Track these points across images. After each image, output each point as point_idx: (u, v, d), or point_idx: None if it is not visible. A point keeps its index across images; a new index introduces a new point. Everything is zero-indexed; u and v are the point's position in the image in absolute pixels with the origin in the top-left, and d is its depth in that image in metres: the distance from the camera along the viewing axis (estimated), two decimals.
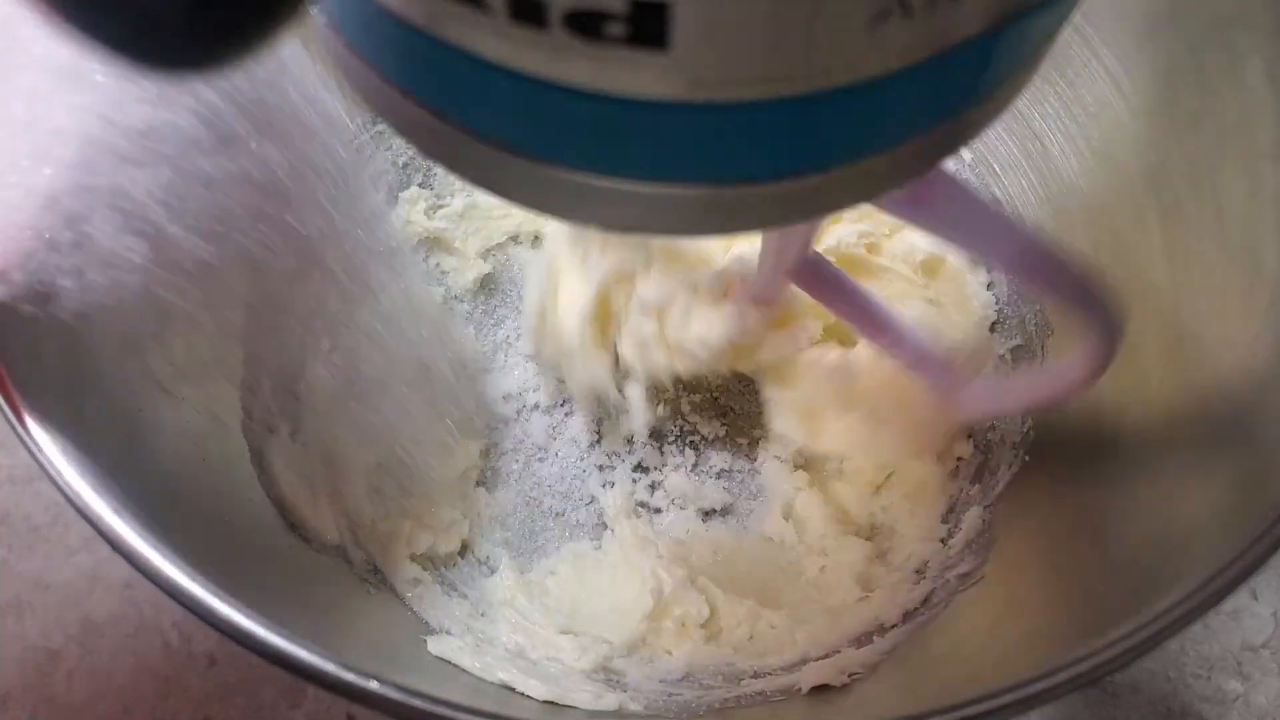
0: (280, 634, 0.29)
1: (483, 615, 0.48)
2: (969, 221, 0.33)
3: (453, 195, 0.57)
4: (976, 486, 0.50)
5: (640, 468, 0.53)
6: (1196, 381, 0.39)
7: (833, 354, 0.49)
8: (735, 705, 0.44)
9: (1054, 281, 0.35)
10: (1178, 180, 0.42)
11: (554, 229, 0.54)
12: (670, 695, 0.44)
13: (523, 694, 0.42)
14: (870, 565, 0.49)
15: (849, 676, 0.43)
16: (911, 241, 0.54)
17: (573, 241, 0.51)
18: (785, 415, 0.51)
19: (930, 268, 0.54)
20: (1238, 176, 0.39)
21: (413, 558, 0.48)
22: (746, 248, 0.49)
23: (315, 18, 0.20)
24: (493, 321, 0.57)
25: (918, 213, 0.32)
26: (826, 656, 0.45)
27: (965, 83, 0.19)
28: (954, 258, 0.54)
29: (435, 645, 0.43)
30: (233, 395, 0.46)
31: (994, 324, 0.53)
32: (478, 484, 0.53)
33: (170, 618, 0.51)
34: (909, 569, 0.48)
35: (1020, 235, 0.34)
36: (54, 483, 0.31)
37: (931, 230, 0.34)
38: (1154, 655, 0.50)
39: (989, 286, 0.53)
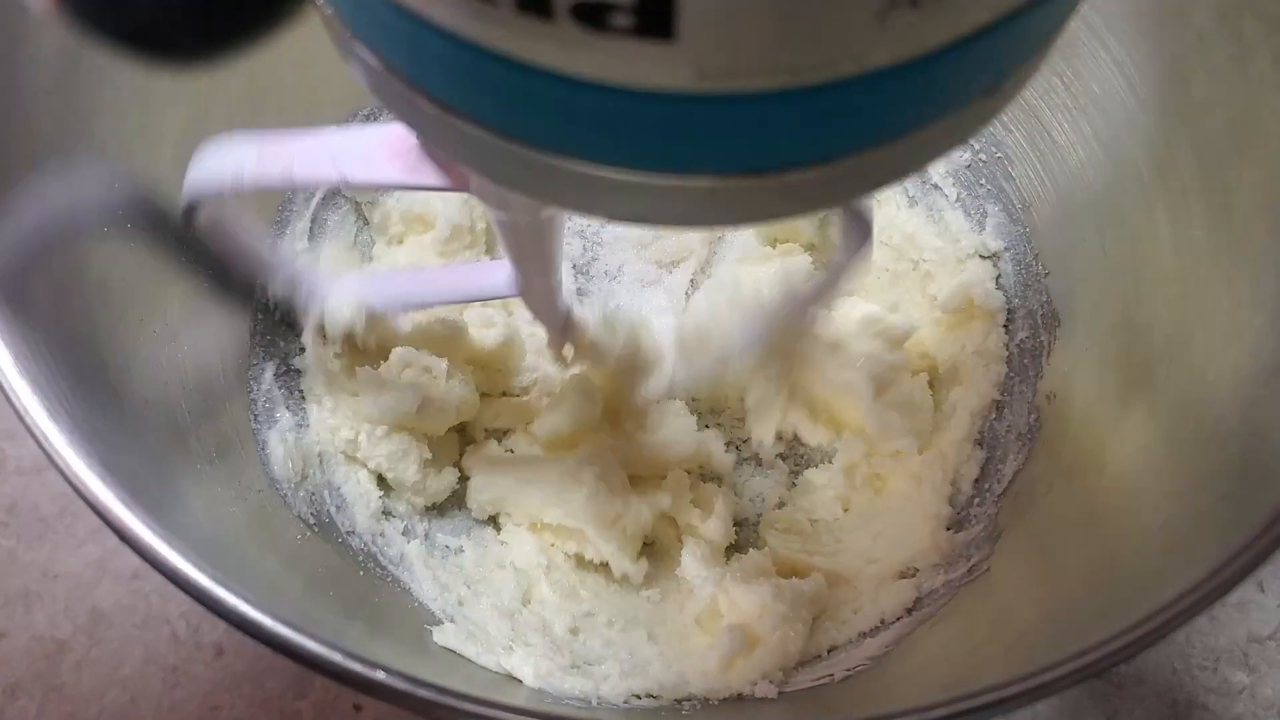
0: (287, 624, 0.30)
1: (469, 587, 0.48)
2: None
3: None
4: (982, 481, 0.50)
5: None
6: (1204, 372, 0.39)
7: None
8: (736, 697, 0.44)
9: None
10: (1185, 171, 0.42)
11: None
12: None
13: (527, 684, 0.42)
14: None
15: (853, 670, 0.43)
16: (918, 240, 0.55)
17: None
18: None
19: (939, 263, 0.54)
20: (1246, 167, 0.39)
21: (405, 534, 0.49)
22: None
23: (321, 8, 0.20)
24: None
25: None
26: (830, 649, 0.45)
27: (972, 74, 0.19)
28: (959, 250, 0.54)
29: (440, 635, 0.43)
30: (238, 384, 0.47)
31: (1006, 323, 0.52)
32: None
33: (178, 608, 0.51)
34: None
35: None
36: (62, 473, 0.31)
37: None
38: (1160, 647, 0.49)
39: (997, 280, 0.53)
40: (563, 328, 0.46)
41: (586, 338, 0.48)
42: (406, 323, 0.51)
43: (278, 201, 0.51)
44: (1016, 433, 0.49)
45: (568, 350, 0.49)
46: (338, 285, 0.47)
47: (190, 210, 0.38)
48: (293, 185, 0.34)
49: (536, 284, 0.41)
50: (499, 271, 0.43)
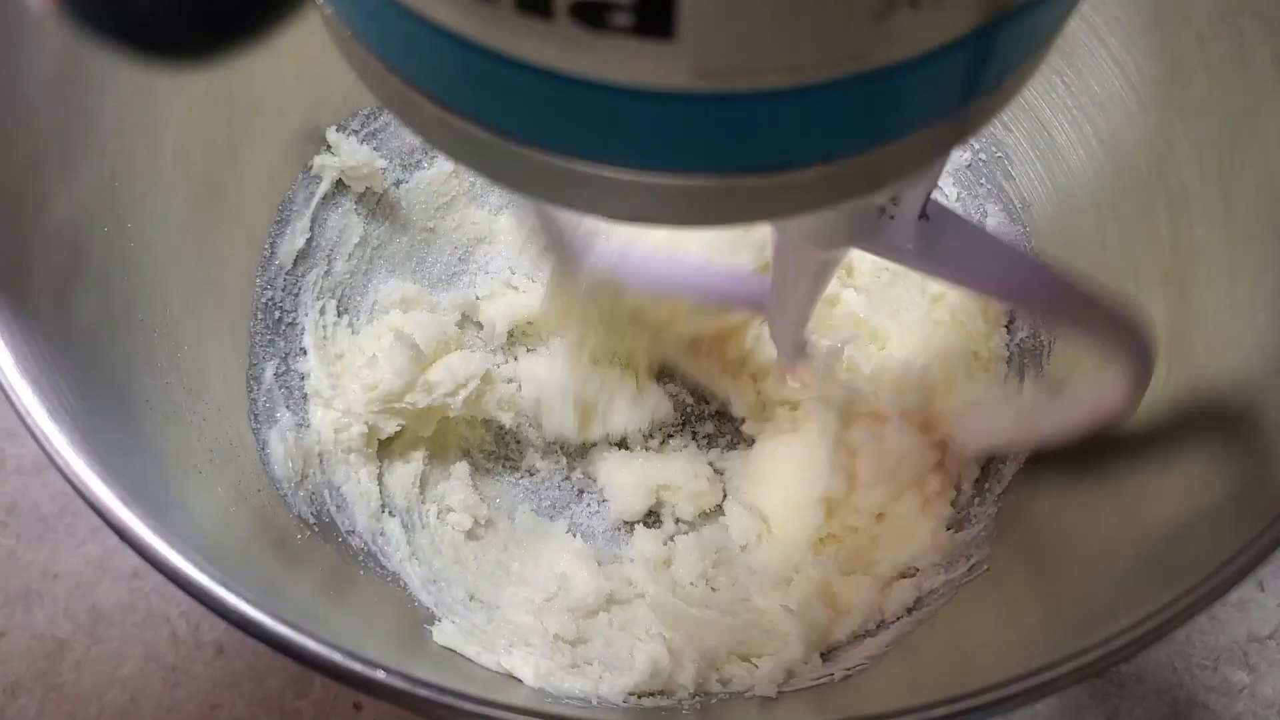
0: (287, 623, 0.30)
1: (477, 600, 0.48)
2: (980, 262, 0.33)
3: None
4: (983, 480, 0.50)
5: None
6: (1204, 372, 0.39)
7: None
8: (735, 696, 0.44)
9: (1079, 315, 0.35)
10: (1186, 170, 0.42)
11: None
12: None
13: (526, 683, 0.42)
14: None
15: (852, 669, 0.43)
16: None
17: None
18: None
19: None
20: (1246, 166, 0.39)
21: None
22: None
23: (321, 7, 0.20)
24: None
25: (927, 260, 0.32)
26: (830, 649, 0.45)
27: (973, 73, 0.19)
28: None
29: (440, 634, 0.43)
30: (238, 384, 0.47)
31: (1008, 323, 0.52)
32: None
33: (178, 607, 0.51)
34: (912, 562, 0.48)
35: (1039, 269, 0.34)
36: (61, 473, 0.31)
37: (941, 275, 0.34)
38: (1160, 646, 0.50)
39: None
40: (796, 354, 0.48)
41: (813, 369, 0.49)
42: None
43: (278, 201, 0.51)
44: None
45: (795, 377, 0.51)
46: (601, 251, 0.47)
47: None
48: None
49: (790, 311, 0.42)
50: (755, 284, 0.45)
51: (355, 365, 0.51)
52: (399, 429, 0.50)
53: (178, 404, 0.41)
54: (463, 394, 0.50)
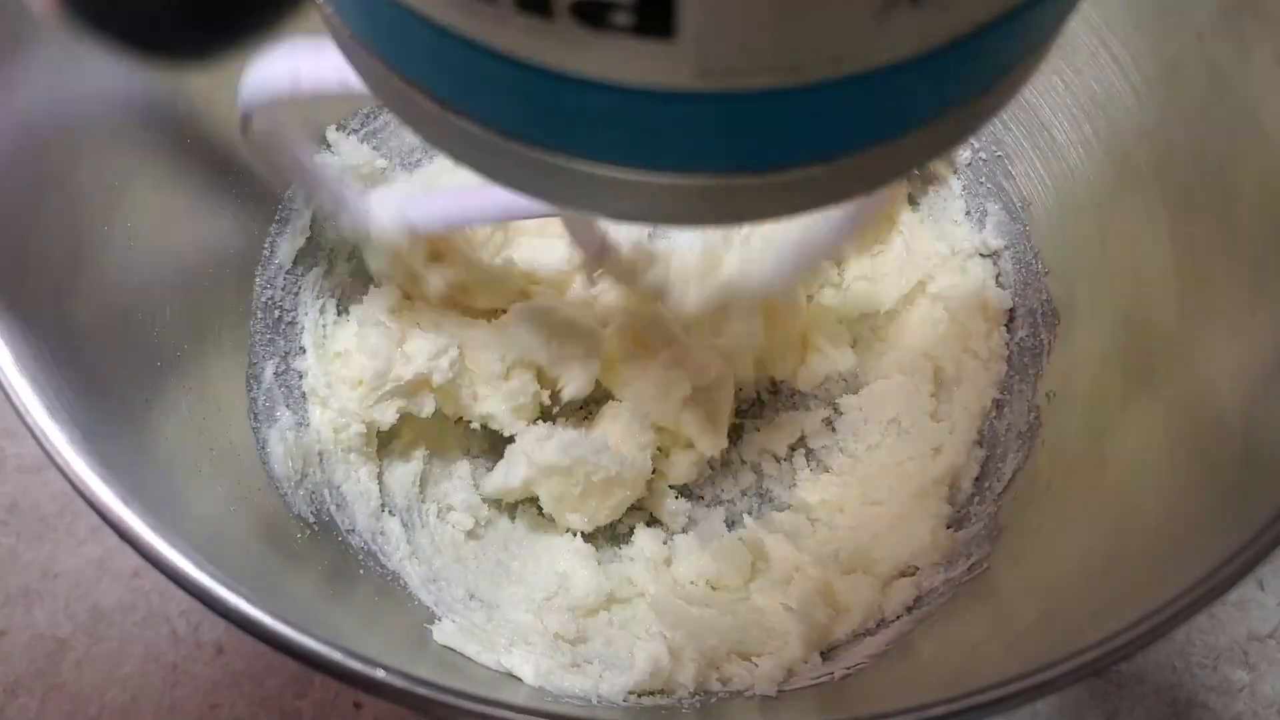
0: (287, 622, 0.30)
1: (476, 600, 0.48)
2: None
3: None
4: (983, 479, 0.50)
5: None
6: (1204, 371, 0.39)
7: None
8: (735, 695, 0.44)
9: None
10: (1185, 169, 0.42)
11: None
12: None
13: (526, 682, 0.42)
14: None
15: (852, 669, 0.43)
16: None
17: None
18: None
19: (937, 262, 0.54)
20: (1246, 165, 0.39)
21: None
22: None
23: (321, 7, 0.20)
24: None
25: None
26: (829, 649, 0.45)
27: (973, 72, 0.19)
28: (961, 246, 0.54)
29: (440, 633, 0.43)
30: (238, 383, 0.47)
31: (1006, 322, 0.52)
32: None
33: (178, 606, 0.51)
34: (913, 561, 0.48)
35: None
36: (62, 472, 0.31)
37: None
38: (1160, 645, 0.50)
39: (997, 278, 0.53)
40: (598, 251, 0.47)
41: (620, 262, 0.48)
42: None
43: (278, 201, 0.51)
44: (1016, 431, 0.49)
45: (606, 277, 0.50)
46: (380, 201, 0.46)
47: (246, 119, 0.37)
48: (349, 94, 0.33)
49: None
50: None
51: (345, 368, 0.51)
52: (399, 416, 0.50)
53: (178, 404, 0.41)
54: (445, 359, 0.50)
